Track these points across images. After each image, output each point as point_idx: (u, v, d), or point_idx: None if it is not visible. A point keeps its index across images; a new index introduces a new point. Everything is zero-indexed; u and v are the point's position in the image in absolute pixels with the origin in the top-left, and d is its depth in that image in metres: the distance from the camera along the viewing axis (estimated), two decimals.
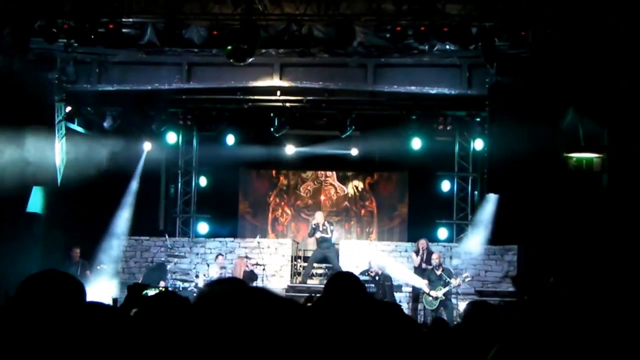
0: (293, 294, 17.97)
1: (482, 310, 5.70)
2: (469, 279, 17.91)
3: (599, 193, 14.67)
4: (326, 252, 19.17)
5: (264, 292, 1.89)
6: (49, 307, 3.11)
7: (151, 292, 11.07)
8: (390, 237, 22.04)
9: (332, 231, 19.26)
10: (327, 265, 19.41)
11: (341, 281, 4.96)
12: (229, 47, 14.44)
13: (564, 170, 14.60)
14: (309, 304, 10.19)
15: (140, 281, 18.25)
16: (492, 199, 19.27)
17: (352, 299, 2.39)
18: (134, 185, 21.07)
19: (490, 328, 5.33)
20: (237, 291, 1.90)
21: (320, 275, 19.80)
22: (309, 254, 20.32)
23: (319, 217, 19.38)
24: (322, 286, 17.42)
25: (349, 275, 5.23)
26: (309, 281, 19.40)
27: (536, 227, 17.30)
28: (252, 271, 18.58)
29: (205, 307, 1.86)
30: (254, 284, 17.92)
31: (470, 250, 19.72)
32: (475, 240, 19.84)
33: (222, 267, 18.67)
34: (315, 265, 19.80)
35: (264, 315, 1.82)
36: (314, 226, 19.21)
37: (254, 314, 1.81)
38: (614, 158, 14.22)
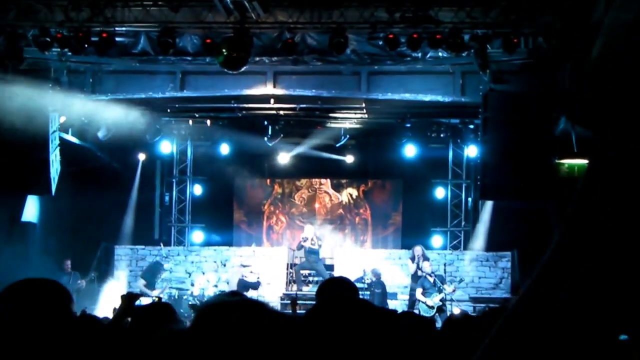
0: (288, 301, 17.97)
1: (461, 321, 5.71)
2: (463, 283, 17.94)
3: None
4: (313, 265, 19.25)
5: (255, 306, 1.90)
6: (33, 316, 3.10)
7: (144, 301, 11.02)
8: (384, 244, 22.04)
9: (320, 245, 19.31)
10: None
11: (333, 287, 4.93)
12: (223, 56, 14.46)
13: (556, 176, 14.62)
14: (295, 307, 10.18)
15: (139, 283, 18.26)
16: (486, 206, 19.33)
17: (345, 306, 2.40)
18: (129, 194, 21.13)
19: (469, 336, 5.34)
20: (230, 305, 1.91)
21: (316, 282, 19.80)
22: None
23: (308, 231, 19.45)
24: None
25: (341, 280, 5.21)
26: (304, 287, 19.41)
27: (529, 233, 17.32)
28: (251, 281, 18.50)
29: (200, 320, 1.87)
30: (252, 292, 17.92)
31: (471, 258, 19.75)
32: (475, 248, 19.95)
33: (215, 271, 18.71)
34: (304, 272, 19.82)
35: (257, 330, 1.83)
36: (303, 239, 19.31)
37: (246, 328, 1.82)
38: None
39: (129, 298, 6.52)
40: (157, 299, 15.44)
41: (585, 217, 1.16)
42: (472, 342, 5.36)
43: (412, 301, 18.27)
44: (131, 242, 20.88)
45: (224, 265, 19.53)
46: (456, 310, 17.28)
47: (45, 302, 3.15)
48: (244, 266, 19.12)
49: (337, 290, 4.79)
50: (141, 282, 18.13)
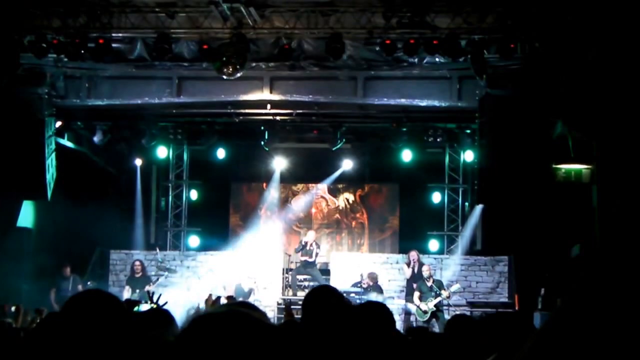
0: (284, 306, 17.96)
1: (464, 323, 5.71)
2: (460, 289, 17.96)
3: (588, 204, 14.70)
4: (309, 271, 19.28)
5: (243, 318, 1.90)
6: (95, 328, 3.15)
7: (143, 308, 11.01)
8: (381, 249, 22.02)
9: (317, 254, 19.32)
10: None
11: (318, 299, 4.86)
12: (219, 61, 14.47)
13: (553, 181, 14.66)
14: (289, 314, 10.17)
15: (125, 288, 18.16)
16: (482, 210, 19.34)
17: (329, 319, 2.39)
18: (125, 199, 21.12)
19: (472, 340, 5.34)
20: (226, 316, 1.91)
21: (311, 287, 19.77)
22: None
23: (309, 236, 19.49)
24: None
25: (326, 289, 5.14)
26: (299, 293, 19.38)
27: (526, 238, 17.35)
28: (245, 290, 18.46)
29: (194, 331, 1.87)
30: (248, 299, 17.89)
31: (460, 261, 19.79)
32: (460, 252, 20.06)
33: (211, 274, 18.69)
34: (300, 277, 19.82)
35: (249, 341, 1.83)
36: (302, 244, 19.35)
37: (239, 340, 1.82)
38: (604, 169, 14.29)
39: (127, 304, 6.50)
40: (155, 305, 15.43)
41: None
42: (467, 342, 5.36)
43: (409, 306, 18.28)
44: (127, 247, 20.84)
45: (218, 271, 19.47)
46: None
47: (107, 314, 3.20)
48: (240, 271, 19.09)
49: (321, 300, 4.70)
50: (126, 289, 18.02)
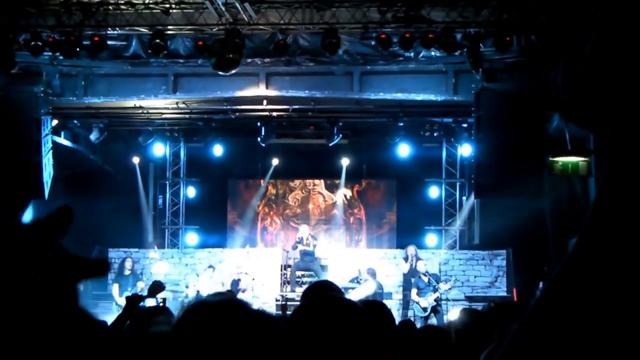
0: (283, 302, 17.96)
1: (473, 317, 5.71)
2: (458, 282, 17.96)
3: (585, 197, 14.70)
4: (309, 265, 19.23)
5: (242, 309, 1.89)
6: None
7: (149, 303, 10.99)
8: (379, 244, 22.03)
9: (315, 245, 19.29)
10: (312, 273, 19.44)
11: (317, 290, 4.87)
12: (214, 58, 14.45)
13: (550, 174, 14.63)
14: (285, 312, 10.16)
15: (113, 286, 18.10)
16: (479, 204, 19.34)
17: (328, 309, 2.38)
18: (123, 197, 21.10)
19: (480, 333, 5.34)
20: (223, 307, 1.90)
21: (309, 283, 19.75)
22: None
23: (303, 231, 19.45)
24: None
25: (325, 283, 5.15)
26: (298, 289, 19.37)
27: (524, 231, 17.33)
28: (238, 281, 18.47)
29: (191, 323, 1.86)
30: (244, 294, 17.88)
31: (458, 255, 19.81)
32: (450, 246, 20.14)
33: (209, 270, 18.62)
34: (299, 273, 19.78)
35: (247, 332, 1.82)
36: (297, 240, 19.32)
37: (238, 331, 1.82)
38: (601, 161, 14.26)
39: (133, 299, 6.49)
40: (161, 301, 15.35)
41: (605, 219, 1.15)
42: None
43: (406, 301, 18.26)
44: (125, 245, 20.82)
45: (217, 267, 19.46)
46: (452, 313, 17.25)
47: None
48: (238, 268, 19.08)
49: (321, 292, 4.73)
50: (115, 286, 17.93)
